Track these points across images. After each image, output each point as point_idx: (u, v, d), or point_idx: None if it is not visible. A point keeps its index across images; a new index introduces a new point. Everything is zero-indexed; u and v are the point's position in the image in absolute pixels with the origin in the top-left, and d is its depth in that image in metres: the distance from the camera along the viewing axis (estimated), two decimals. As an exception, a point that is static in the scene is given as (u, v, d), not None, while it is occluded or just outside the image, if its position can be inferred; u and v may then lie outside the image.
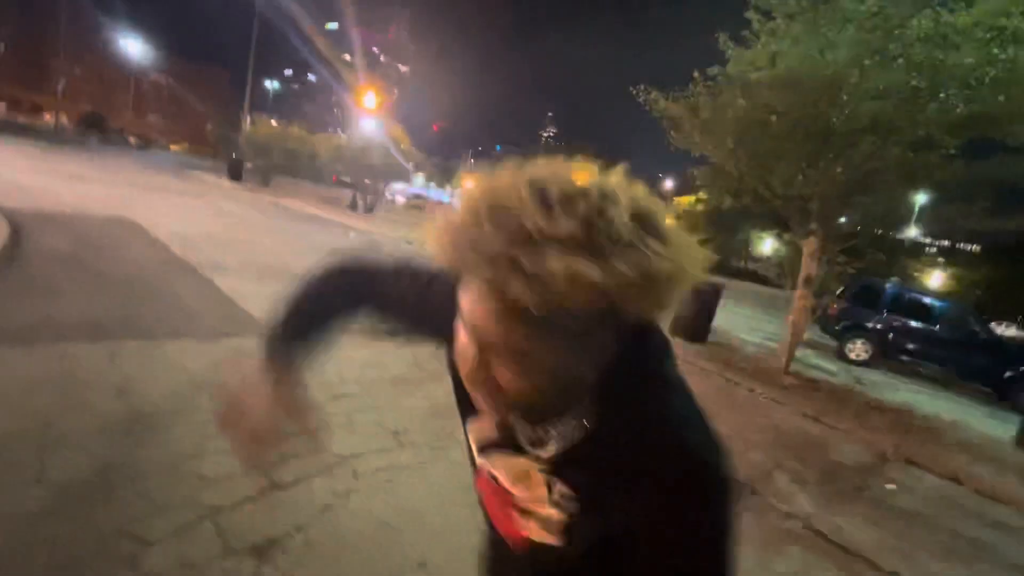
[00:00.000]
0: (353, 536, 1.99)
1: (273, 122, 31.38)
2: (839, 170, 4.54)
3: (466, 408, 0.69)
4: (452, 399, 2.11)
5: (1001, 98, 3.81)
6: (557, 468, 0.58)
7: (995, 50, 3.65)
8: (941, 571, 2.64)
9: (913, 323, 8.64)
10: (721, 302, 7.03)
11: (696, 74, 5.09)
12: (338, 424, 2.80)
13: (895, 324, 8.74)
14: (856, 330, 8.97)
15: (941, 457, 4.34)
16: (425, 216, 28.16)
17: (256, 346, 0.78)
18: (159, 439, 2.31)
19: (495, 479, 0.64)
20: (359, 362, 3.83)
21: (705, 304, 6.77)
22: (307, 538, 1.91)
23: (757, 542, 2.53)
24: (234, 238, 8.19)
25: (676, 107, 5.45)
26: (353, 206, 20.61)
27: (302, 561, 1.81)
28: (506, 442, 0.62)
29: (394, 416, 3.05)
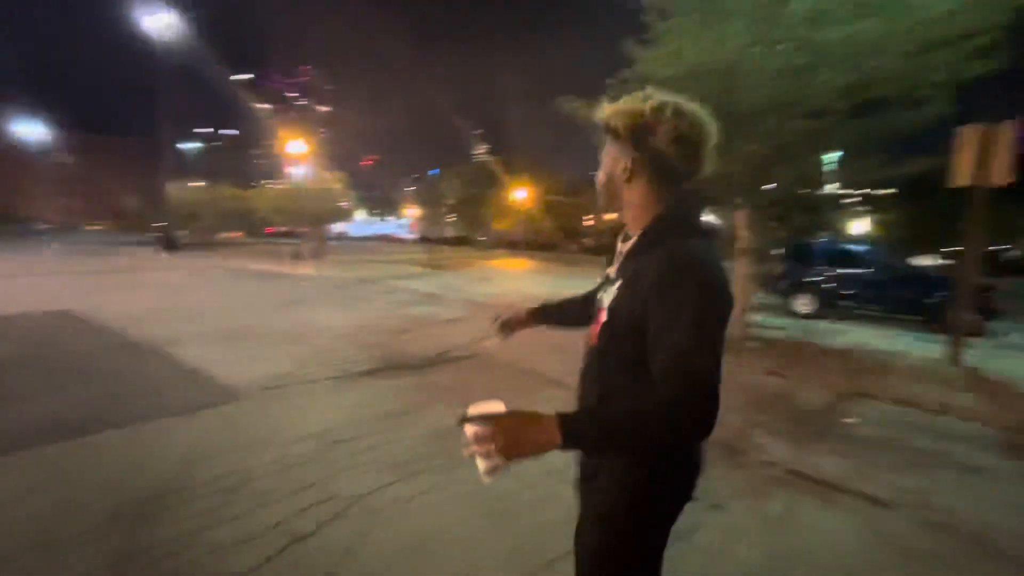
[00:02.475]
0: (383, 567, 2.07)
1: (200, 184, 30.38)
2: (753, 147, 5.02)
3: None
4: (443, 423, 2.39)
5: (871, 65, 4.39)
6: (621, 267, 1.08)
7: (857, 25, 4.21)
8: (905, 484, 2.98)
9: (844, 271, 9.42)
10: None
11: (610, 80, 5.49)
12: (343, 468, 2.86)
13: (829, 275, 9.51)
14: (798, 287, 9.68)
15: (890, 385, 4.81)
16: (373, 255, 27.85)
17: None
18: (166, 520, 2.31)
19: (599, 299, 1.13)
20: (348, 405, 3.89)
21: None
22: (340, 578, 1.99)
23: (747, 493, 2.78)
24: (185, 308, 7.94)
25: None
26: (298, 255, 20.18)
27: (341, 599, 1.89)
28: (609, 273, 1.15)
29: (396, 449, 3.12)
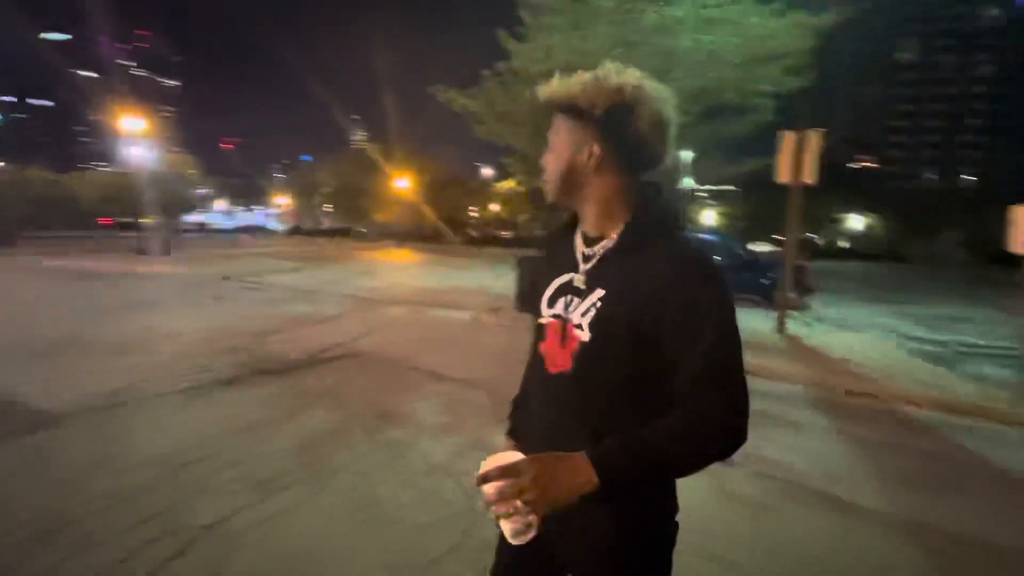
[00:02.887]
0: (242, 598, 1.87)
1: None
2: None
3: (540, 288, 1.01)
4: (316, 429, 2.23)
5: (712, 74, 4.97)
6: (597, 272, 0.90)
7: (702, 36, 4.73)
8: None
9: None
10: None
11: (486, 72, 5.52)
12: (192, 493, 2.52)
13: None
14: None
15: (733, 357, 5.52)
16: (239, 249, 25.18)
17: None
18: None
19: (558, 316, 0.93)
20: (202, 420, 3.46)
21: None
22: (188, 621, 1.75)
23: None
24: (-20, 320, 6.45)
25: (473, 103, 5.82)
26: (142, 251, 17.50)
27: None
28: (568, 281, 0.95)
29: (257, 465, 2.83)
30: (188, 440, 3.12)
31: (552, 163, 0.92)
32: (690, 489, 2.76)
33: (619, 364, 0.85)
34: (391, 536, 2.26)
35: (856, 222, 43.25)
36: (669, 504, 0.93)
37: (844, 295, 12.15)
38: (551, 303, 0.96)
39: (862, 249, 38.95)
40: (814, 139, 6.37)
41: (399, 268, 16.96)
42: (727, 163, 6.71)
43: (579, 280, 0.92)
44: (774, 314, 7.17)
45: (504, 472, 0.73)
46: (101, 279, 11.30)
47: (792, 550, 2.27)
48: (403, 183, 33.32)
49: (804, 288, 9.79)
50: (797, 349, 6.03)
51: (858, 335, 7.08)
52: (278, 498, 2.51)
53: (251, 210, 79.66)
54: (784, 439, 3.54)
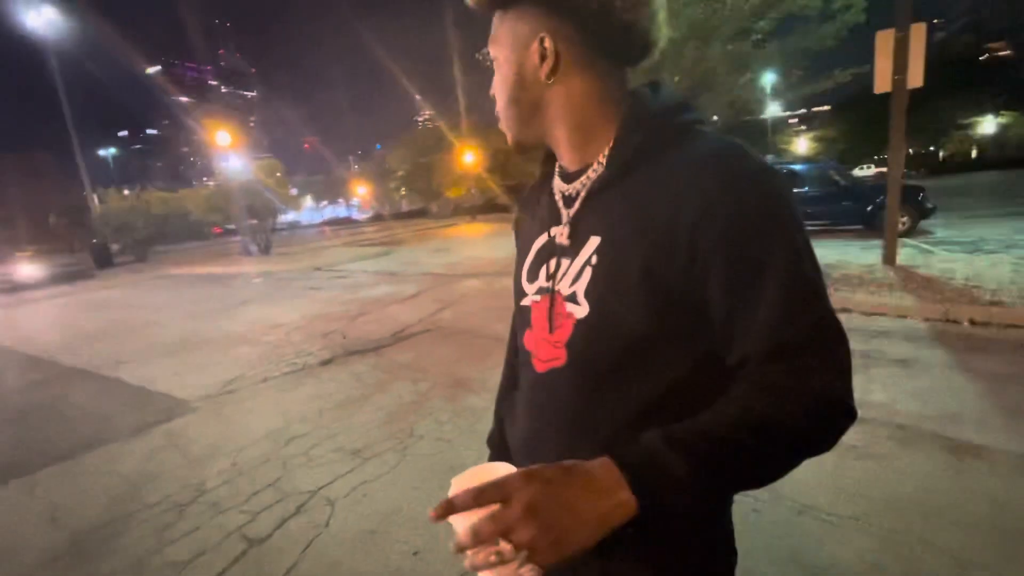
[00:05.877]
0: (342, 554, 2.07)
1: (125, 192, 28.39)
2: (676, 79, 4.98)
3: (520, 261, 0.75)
4: (401, 400, 2.31)
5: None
6: (585, 216, 0.62)
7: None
8: (843, 386, 3.15)
9: (787, 191, 9.66)
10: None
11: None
12: (298, 464, 2.81)
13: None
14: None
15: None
16: (326, 241, 27.02)
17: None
18: (115, 547, 2.23)
19: (544, 290, 0.66)
20: (302, 399, 3.81)
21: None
22: (299, 574, 1.97)
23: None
24: (126, 326, 7.54)
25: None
26: (246, 252, 19.36)
27: (300, 595, 1.88)
28: (550, 239, 0.67)
29: (351, 436, 3.09)
30: (292, 417, 3.46)
31: (499, 87, 0.64)
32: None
33: (636, 344, 0.56)
34: (472, 496, 2.36)
35: (989, 125, 36.90)
36: (727, 532, 0.63)
37: (971, 213, 10.55)
38: (532, 275, 0.69)
39: (997, 156, 33.31)
40: (917, 35, 5.45)
41: (472, 242, 17.27)
42: (815, 80, 5.92)
43: (561, 232, 0.64)
44: (881, 244, 6.39)
45: (480, 497, 0.43)
46: (213, 282, 12.69)
47: (897, 498, 2.07)
48: (469, 157, 33.50)
49: (919, 211, 8.62)
50: (909, 279, 5.35)
51: (986, 257, 6.12)
52: (368, 466, 2.72)
53: (337, 203, 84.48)
54: (892, 380, 3.20)
